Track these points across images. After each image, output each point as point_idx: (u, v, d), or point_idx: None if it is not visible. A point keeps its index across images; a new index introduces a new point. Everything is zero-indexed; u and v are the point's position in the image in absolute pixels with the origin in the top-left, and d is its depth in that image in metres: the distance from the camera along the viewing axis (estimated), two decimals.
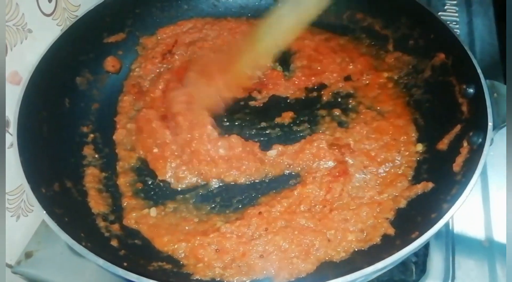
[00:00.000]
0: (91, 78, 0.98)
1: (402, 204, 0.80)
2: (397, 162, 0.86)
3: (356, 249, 0.76)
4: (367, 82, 1.00)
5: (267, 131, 0.94)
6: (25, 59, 0.85)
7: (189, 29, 1.10)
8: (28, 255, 0.88)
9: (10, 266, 0.87)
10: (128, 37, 1.06)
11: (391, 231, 0.77)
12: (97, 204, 0.82)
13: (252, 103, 0.99)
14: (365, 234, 0.77)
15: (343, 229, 0.77)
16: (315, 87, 1.01)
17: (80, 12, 0.97)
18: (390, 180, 0.84)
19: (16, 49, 0.82)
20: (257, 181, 0.87)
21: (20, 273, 0.87)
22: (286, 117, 0.96)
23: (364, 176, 0.85)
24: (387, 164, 0.86)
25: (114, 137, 0.94)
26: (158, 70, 1.04)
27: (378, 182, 0.84)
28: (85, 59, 0.97)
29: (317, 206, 0.81)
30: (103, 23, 1.00)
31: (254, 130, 0.95)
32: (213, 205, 0.84)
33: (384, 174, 0.85)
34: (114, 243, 0.77)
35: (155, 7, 1.09)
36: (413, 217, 0.77)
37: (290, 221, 0.79)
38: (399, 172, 0.85)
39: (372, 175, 0.85)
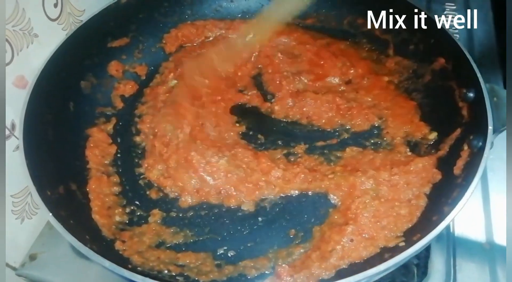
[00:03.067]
0: (95, 82, 0.99)
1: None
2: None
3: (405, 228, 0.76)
4: (368, 86, 1.01)
5: None
6: (31, 63, 0.85)
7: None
8: (32, 257, 0.88)
9: (14, 268, 0.87)
10: (132, 42, 1.06)
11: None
12: None
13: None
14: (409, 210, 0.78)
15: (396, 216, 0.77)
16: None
17: (85, 17, 0.98)
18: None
19: (22, 53, 0.82)
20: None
21: (24, 275, 0.87)
22: None
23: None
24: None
25: None
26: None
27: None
28: (89, 63, 0.98)
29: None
30: (107, 28, 1.01)
31: None
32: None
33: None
34: (118, 245, 0.77)
35: (158, 12, 1.10)
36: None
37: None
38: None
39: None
